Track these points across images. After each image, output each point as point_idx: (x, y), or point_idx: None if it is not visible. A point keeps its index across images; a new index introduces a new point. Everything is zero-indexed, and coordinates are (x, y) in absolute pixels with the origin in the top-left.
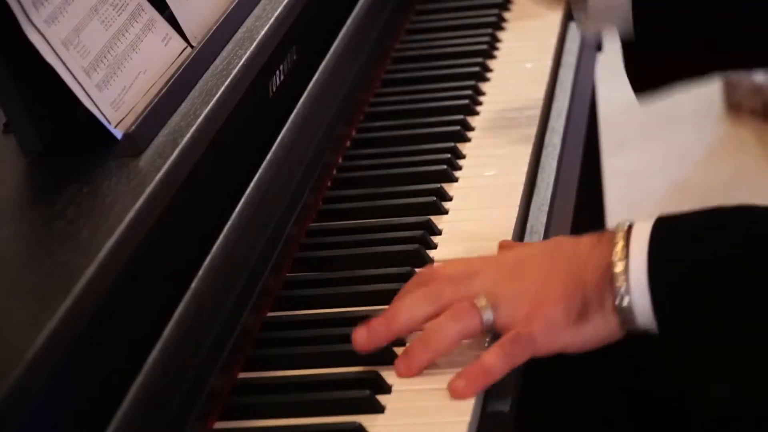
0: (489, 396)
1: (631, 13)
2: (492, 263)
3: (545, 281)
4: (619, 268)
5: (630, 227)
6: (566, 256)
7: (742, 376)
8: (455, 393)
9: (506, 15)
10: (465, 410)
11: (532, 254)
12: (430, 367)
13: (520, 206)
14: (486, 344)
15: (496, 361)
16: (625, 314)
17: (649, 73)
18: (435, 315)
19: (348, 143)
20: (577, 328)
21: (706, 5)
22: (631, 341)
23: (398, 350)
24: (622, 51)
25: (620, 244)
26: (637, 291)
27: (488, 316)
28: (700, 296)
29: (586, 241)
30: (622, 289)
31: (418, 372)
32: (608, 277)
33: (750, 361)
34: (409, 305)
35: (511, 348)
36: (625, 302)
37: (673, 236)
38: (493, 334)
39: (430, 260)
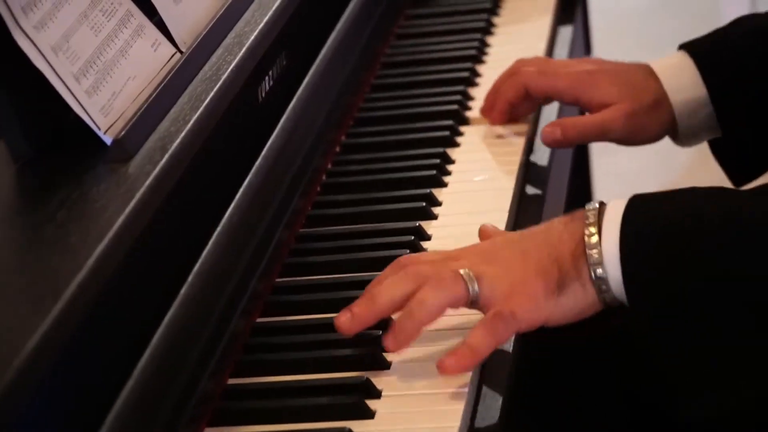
0: (478, 403)
1: (718, 124)
2: (470, 249)
3: (522, 258)
4: (591, 240)
5: (602, 204)
6: (540, 234)
7: (721, 381)
8: (444, 369)
9: (495, 20)
10: (454, 416)
11: (508, 238)
12: (419, 371)
13: (510, 210)
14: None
15: (481, 340)
16: (600, 284)
17: (745, 167)
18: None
19: (337, 148)
20: (557, 300)
21: None
22: (618, 347)
23: (387, 356)
24: (713, 152)
25: (593, 218)
26: (610, 262)
27: (474, 287)
28: (669, 271)
29: (559, 219)
30: (596, 258)
31: (406, 344)
32: (582, 248)
33: (726, 362)
34: (389, 285)
35: (493, 325)
36: (599, 272)
37: (646, 210)
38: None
39: None
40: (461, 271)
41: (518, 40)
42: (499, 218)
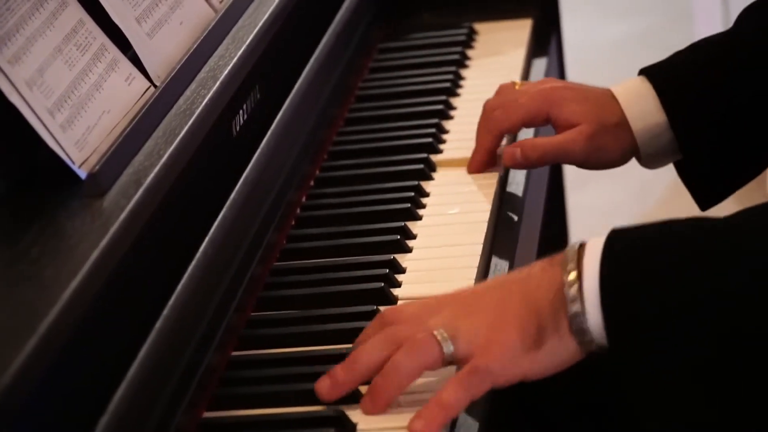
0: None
1: (679, 148)
2: (448, 300)
3: (499, 309)
4: (572, 290)
5: (582, 246)
6: (519, 282)
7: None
8: (415, 429)
9: (469, 53)
10: None
11: (487, 287)
12: (393, 405)
13: (484, 243)
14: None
15: (453, 396)
16: (581, 335)
17: (710, 189)
18: None
19: (312, 182)
20: (535, 354)
21: (746, 116)
22: (593, 368)
23: (363, 388)
24: (679, 174)
25: (572, 263)
26: (591, 310)
27: (448, 347)
28: (651, 312)
29: (539, 264)
30: (576, 309)
31: (384, 408)
32: (561, 298)
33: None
34: (368, 350)
35: (468, 380)
36: (580, 323)
37: (624, 252)
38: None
39: (395, 299)
40: (435, 333)
41: (493, 72)
42: (474, 251)
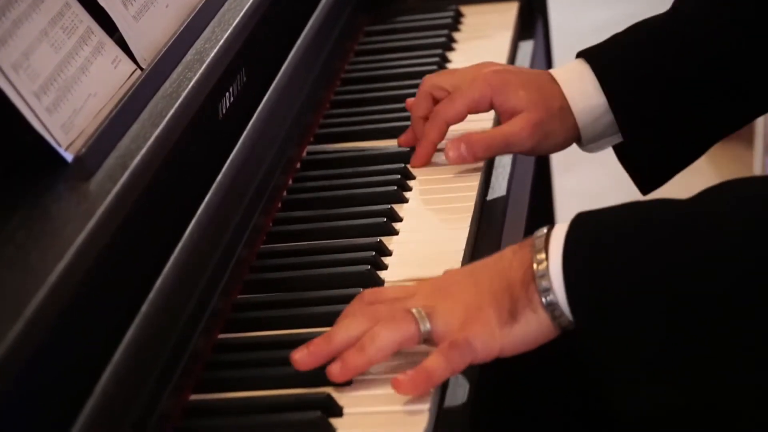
0: (440, 417)
1: (619, 131)
2: (426, 285)
3: (474, 290)
4: (540, 267)
5: (550, 229)
6: (491, 264)
7: (659, 383)
8: (398, 386)
9: (456, 35)
10: (417, 429)
11: (461, 271)
12: (381, 388)
13: (471, 227)
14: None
15: (436, 365)
16: (552, 309)
17: (651, 172)
18: None
19: (298, 165)
20: (511, 328)
21: (686, 95)
22: (569, 352)
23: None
24: (618, 158)
25: (540, 244)
26: (557, 287)
27: (425, 325)
28: (611, 291)
29: (510, 248)
30: (545, 285)
31: (351, 376)
32: (531, 275)
33: (664, 366)
34: (346, 324)
35: (450, 353)
36: (550, 297)
37: (588, 232)
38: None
39: (381, 281)
40: (413, 310)
41: (479, 55)
42: (460, 234)
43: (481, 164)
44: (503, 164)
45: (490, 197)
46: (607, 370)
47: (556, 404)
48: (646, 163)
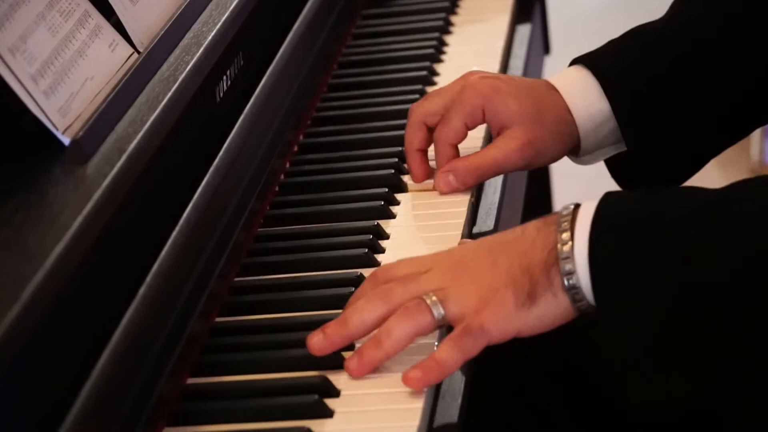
0: (437, 402)
1: (622, 138)
2: (440, 259)
3: (492, 269)
4: (565, 248)
5: (576, 207)
6: (511, 242)
7: (672, 372)
8: (409, 382)
9: (453, 19)
10: (413, 415)
11: (479, 245)
12: (379, 370)
13: (468, 210)
14: (435, 346)
15: (449, 355)
16: (574, 293)
17: (647, 184)
18: (387, 316)
19: (295, 148)
20: (528, 311)
21: (688, 106)
22: (578, 344)
23: (346, 354)
24: (615, 176)
25: (566, 224)
26: (581, 271)
27: (439, 311)
28: (637, 279)
29: (533, 224)
30: (568, 268)
31: (369, 371)
32: (555, 256)
33: (679, 354)
34: (361, 308)
35: (462, 340)
36: (573, 281)
37: (616, 216)
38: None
39: (378, 265)
40: (426, 299)
41: (476, 39)
42: (457, 217)
43: (479, 143)
44: None
45: (487, 180)
46: (621, 358)
47: (555, 387)
48: (644, 175)
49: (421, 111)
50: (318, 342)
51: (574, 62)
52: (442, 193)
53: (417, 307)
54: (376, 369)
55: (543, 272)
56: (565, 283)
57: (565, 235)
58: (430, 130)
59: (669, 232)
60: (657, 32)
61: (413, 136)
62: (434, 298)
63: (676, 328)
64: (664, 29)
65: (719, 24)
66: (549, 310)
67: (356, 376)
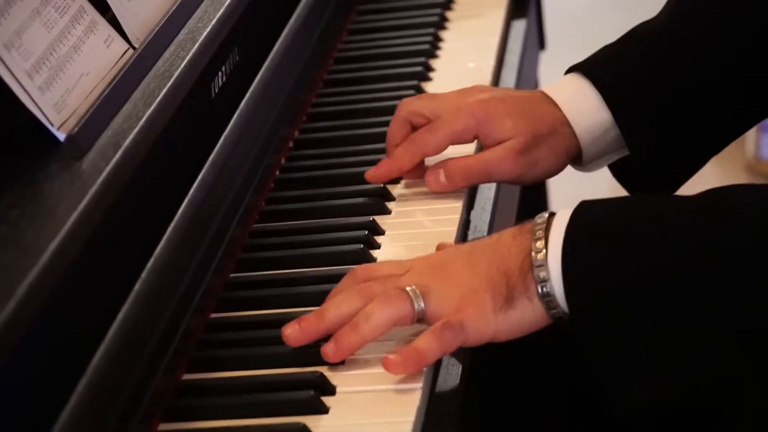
0: (433, 397)
1: (625, 145)
2: (421, 261)
3: (471, 272)
4: (538, 256)
5: (551, 215)
6: (490, 247)
7: (653, 376)
8: (388, 365)
9: (449, 14)
10: (409, 411)
11: (459, 250)
12: (374, 367)
13: (463, 206)
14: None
15: (429, 346)
16: (548, 300)
17: (656, 187)
18: None
19: (291, 144)
20: (505, 314)
21: (692, 108)
22: (558, 341)
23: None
24: (619, 178)
25: (540, 232)
26: (555, 278)
27: (419, 304)
28: (607, 286)
29: (509, 231)
30: (543, 276)
31: (346, 355)
32: (530, 263)
33: (659, 360)
34: (339, 301)
35: (442, 334)
36: (547, 288)
37: (590, 226)
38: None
39: (374, 260)
40: (407, 289)
41: (471, 34)
42: (452, 213)
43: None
44: None
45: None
46: (601, 363)
47: (549, 387)
48: (649, 177)
49: (409, 108)
50: (293, 333)
51: (570, 70)
52: (432, 191)
53: (398, 295)
54: (370, 365)
55: (519, 277)
56: (539, 290)
57: (539, 243)
58: (414, 129)
59: (643, 242)
60: (658, 34)
61: (396, 132)
62: (417, 290)
63: (650, 337)
64: (665, 30)
65: (725, 21)
66: (525, 316)
67: (334, 360)
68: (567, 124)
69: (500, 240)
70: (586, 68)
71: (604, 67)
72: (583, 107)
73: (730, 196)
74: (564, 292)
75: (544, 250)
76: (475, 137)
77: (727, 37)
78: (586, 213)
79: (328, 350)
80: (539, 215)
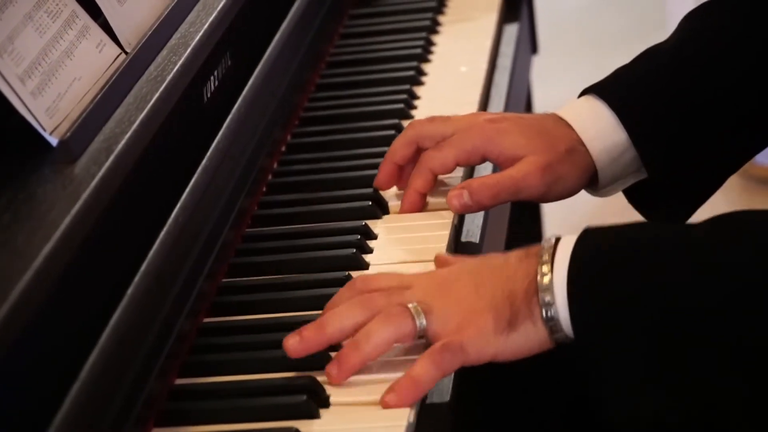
0: (425, 405)
1: (642, 167)
2: (424, 278)
3: (475, 292)
4: (544, 280)
5: (557, 241)
6: (496, 268)
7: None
8: (386, 406)
9: (441, 18)
10: (402, 415)
11: (463, 269)
12: (366, 372)
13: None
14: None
15: (425, 371)
16: (552, 324)
17: (674, 210)
18: (366, 323)
19: (283, 148)
20: (507, 337)
21: (709, 128)
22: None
23: (335, 354)
24: (635, 204)
25: (546, 256)
26: (560, 303)
27: (421, 321)
28: (613, 312)
29: (515, 254)
30: (548, 300)
31: (349, 375)
32: (535, 288)
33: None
34: (340, 313)
35: (440, 356)
36: (551, 312)
37: (595, 252)
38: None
39: (367, 265)
40: (409, 306)
41: (464, 38)
42: (445, 219)
43: None
44: None
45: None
46: (602, 382)
47: (544, 399)
48: (666, 199)
49: (419, 130)
50: (294, 344)
51: (583, 93)
52: (455, 211)
53: (400, 313)
54: (363, 371)
55: (524, 301)
56: (544, 314)
57: (545, 268)
58: (418, 152)
59: (647, 268)
60: (673, 52)
61: (400, 149)
62: (419, 308)
63: (655, 362)
64: (680, 48)
65: (733, 34)
66: (528, 339)
67: (337, 381)
68: (583, 144)
69: (507, 262)
70: (599, 89)
71: (618, 87)
72: (599, 128)
73: (735, 219)
74: (570, 317)
75: (550, 275)
76: (484, 159)
77: (736, 50)
78: (591, 239)
79: (332, 371)
80: (546, 239)
